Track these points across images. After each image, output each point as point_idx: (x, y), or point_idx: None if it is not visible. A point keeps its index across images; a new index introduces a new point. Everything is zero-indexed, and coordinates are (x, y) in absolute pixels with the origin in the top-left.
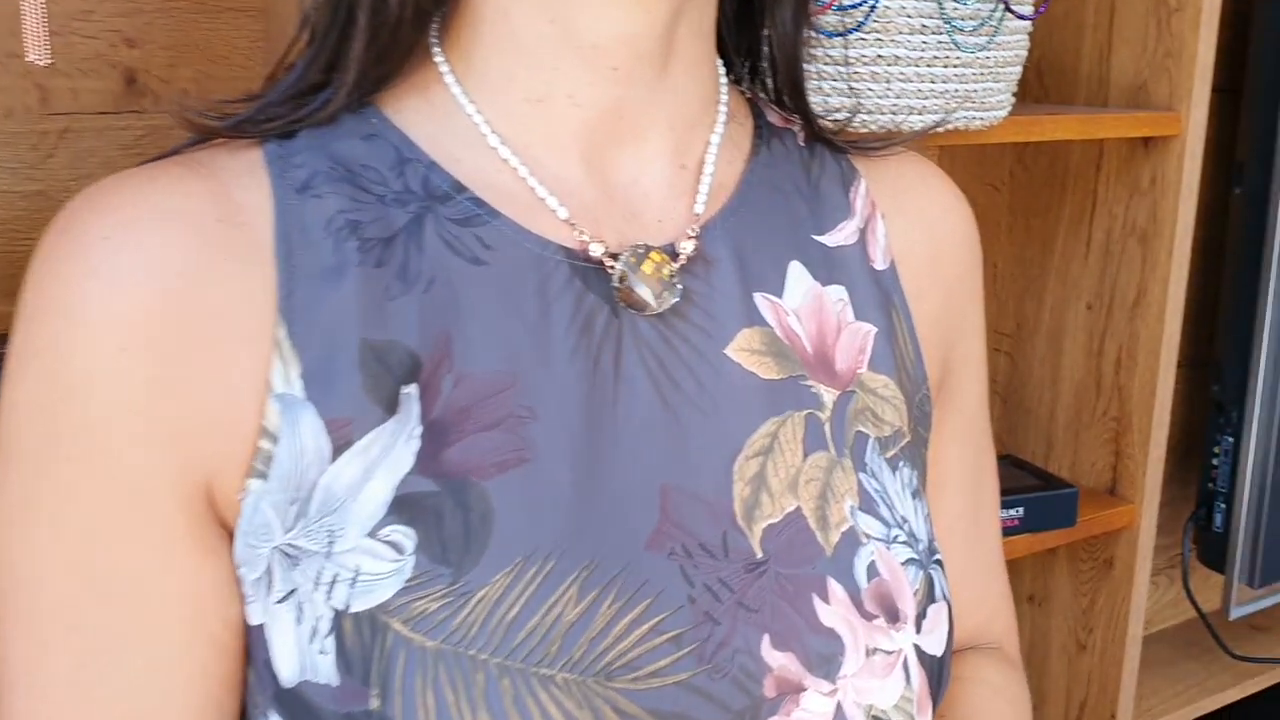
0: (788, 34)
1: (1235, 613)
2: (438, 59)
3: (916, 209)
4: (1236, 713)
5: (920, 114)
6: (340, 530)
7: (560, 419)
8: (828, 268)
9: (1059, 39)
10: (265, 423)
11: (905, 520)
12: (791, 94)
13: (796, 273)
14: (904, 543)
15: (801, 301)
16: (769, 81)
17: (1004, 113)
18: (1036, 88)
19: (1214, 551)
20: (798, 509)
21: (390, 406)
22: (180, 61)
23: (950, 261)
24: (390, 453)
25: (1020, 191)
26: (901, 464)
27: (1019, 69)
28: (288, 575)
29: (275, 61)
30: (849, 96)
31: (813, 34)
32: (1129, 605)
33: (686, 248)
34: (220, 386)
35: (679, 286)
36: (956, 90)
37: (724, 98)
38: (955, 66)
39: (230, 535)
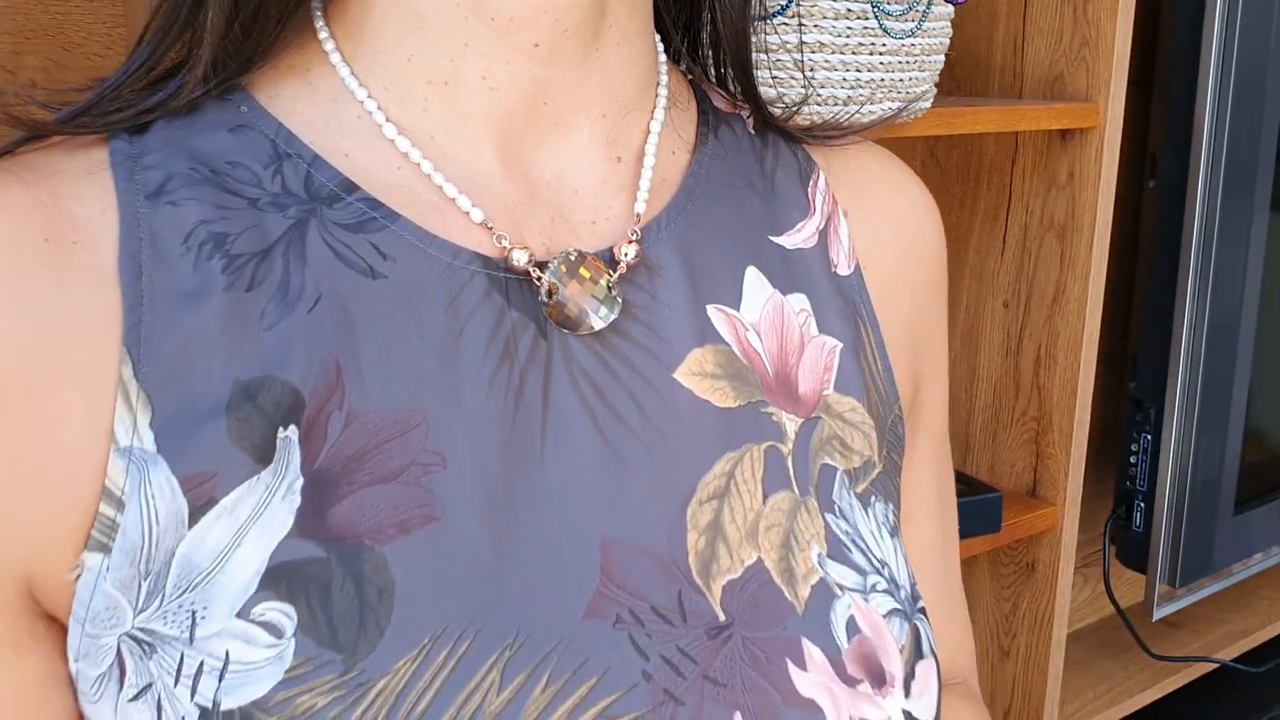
0: (735, 6)
1: (1158, 613)
2: (321, 34)
3: (881, 206)
4: (1158, 712)
5: (844, 104)
6: (204, 610)
7: (475, 465)
8: (787, 273)
9: (971, 29)
10: (107, 482)
11: (884, 564)
12: (739, 75)
13: (754, 280)
14: (884, 591)
15: (760, 314)
16: (710, 61)
17: (928, 104)
18: (948, 79)
19: (1134, 551)
20: (759, 561)
21: (263, 454)
22: (26, 49)
23: (918, 263)
24: (264, 511)
25: (933, 186)
26: (874, 499)
27: (942, 57)
28: (142, 666)
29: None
30: (769, 86)
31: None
32: (1053, 609)
33: (627, 253)
34: (46, 444)
35: (619, 300)
36: (882, 79)
37: (664, 78)
38: (881, 54)
39: (60, 624)
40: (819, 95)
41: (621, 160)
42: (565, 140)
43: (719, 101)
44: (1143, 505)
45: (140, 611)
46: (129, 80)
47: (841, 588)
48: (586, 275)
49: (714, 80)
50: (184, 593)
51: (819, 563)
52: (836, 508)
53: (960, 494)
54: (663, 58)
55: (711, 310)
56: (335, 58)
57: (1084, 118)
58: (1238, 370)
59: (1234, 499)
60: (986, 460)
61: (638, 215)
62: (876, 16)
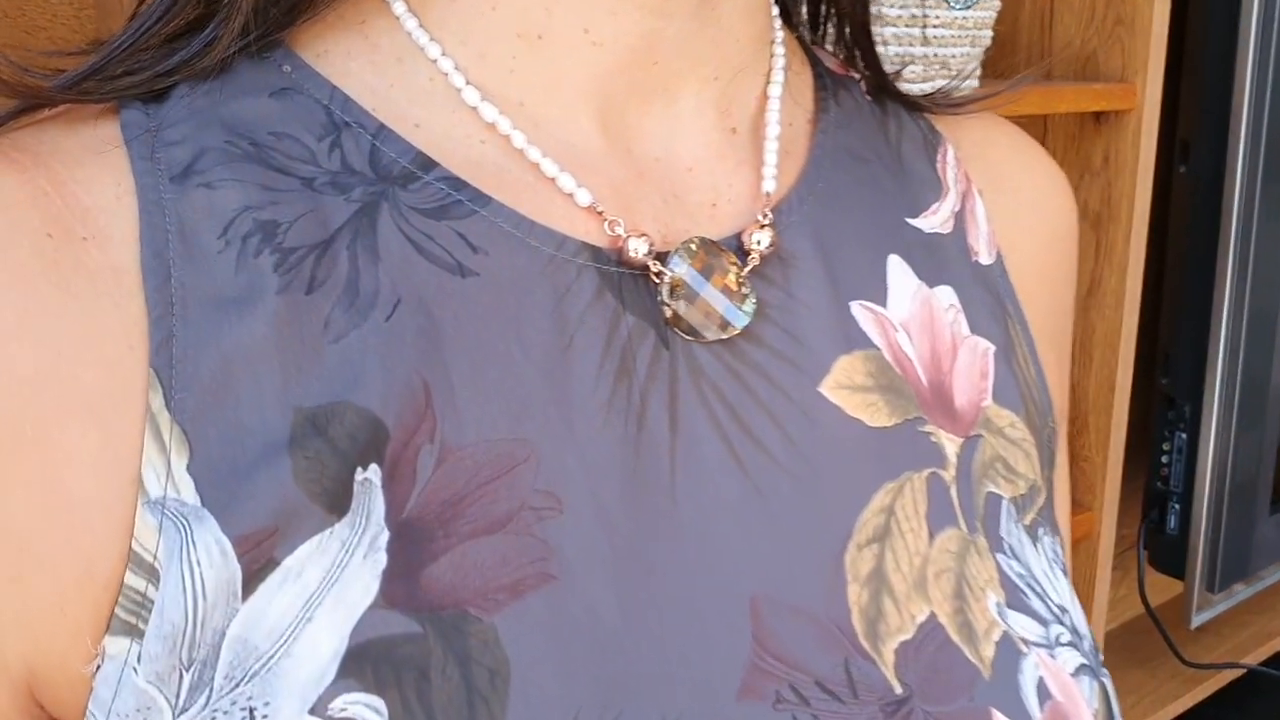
0: None
1: (1198, 619)
2: None
3: (1016, 186)
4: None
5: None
6: (266, 707)
7: (595, 508)
8: (932, 262)
9: None
10: (135, 545)
11: (1064, 611)
12: (858, 34)
13: (898, 270)
14: (1069, 644)
15: (910, 311)
16: (821, 16)
17: (975, 84)
18: None
19: (1168, 555)
20: (931, 616)
21: (337, 502)
22: None
23: (1058, 255)
24: (341, 575)
25: None
26: (1042, 531)
27: (990, 35)
28: None
29: None
30: None
31: None
32: (1089, 619)
33: (759, 240)
34: (48, 501)
35: (753, 298)
36: (936, 54)
37: (778, 35)
38: (935, 26)
39: None
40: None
41: (737, 131)
42: (672, 108)
43: (831, 64)
44: (1177, 507)
45: (182, 713)
46: (144, 36)
47: (1026, 643)
48: (715, 268)
49: (813, 39)
50: (238, 685)
51: (999, 614)
52: (1006, 545)
53: None
54: (775, 9)
55: (856, 308)
56: (399, 7)
57: (1121, 99)
58: (1276, 364)
59: (1270, 498)
60: None
61: (766, 194)
62: None
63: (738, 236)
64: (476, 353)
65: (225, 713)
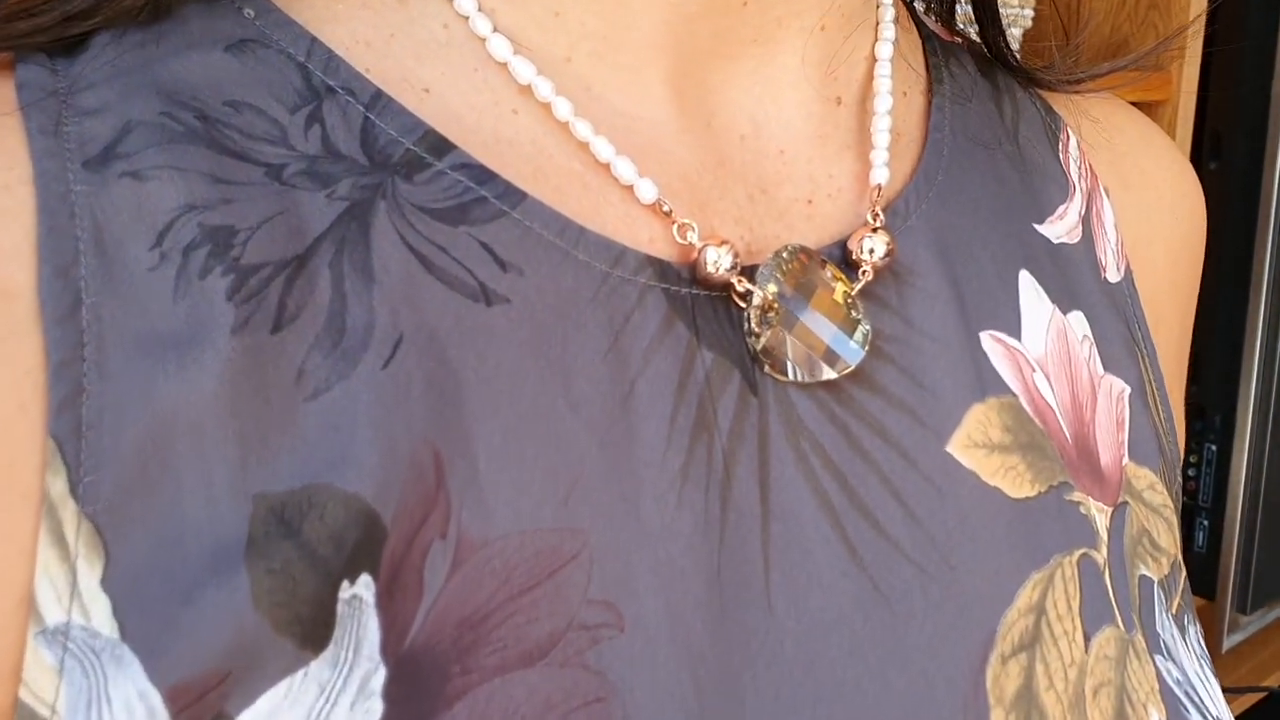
0: None
1: (1228, 643)
2: None
3: (1148, 184)
4: None
5: None
6: None
7: (670, 623)
8: (1062, 280)
9: None
10: (24, 695)
11: None
12: None
13: (1030, 291)
14: None
15: (1046, 345)
16: None
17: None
18: None
19: (1196, 575)
20: None
21: (315, 633)
22: None
23: (1188, 267)
24: None
25: None
26: (1188, 619)
27: (1032, 11)
28: None
29: None
30: None
31: None
32: None
33: (872, 249)
34: None
35: (864, 327)
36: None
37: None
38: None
39: None
40: None
41: (843, 102)
42: (767, 68)
43: (935, 26)
44: (1206, 524)
45: None
46: None
47: None
48: (816, 286)
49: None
50: None
51: None
52: (1162, 643)
53: None
54: None
55: (988, 340)
56: None
57: (1156, 88)
58: None
59: None
60: None
61: (878, 188)
62: None
63: (842, 244)
64: (508, 410)
65: None
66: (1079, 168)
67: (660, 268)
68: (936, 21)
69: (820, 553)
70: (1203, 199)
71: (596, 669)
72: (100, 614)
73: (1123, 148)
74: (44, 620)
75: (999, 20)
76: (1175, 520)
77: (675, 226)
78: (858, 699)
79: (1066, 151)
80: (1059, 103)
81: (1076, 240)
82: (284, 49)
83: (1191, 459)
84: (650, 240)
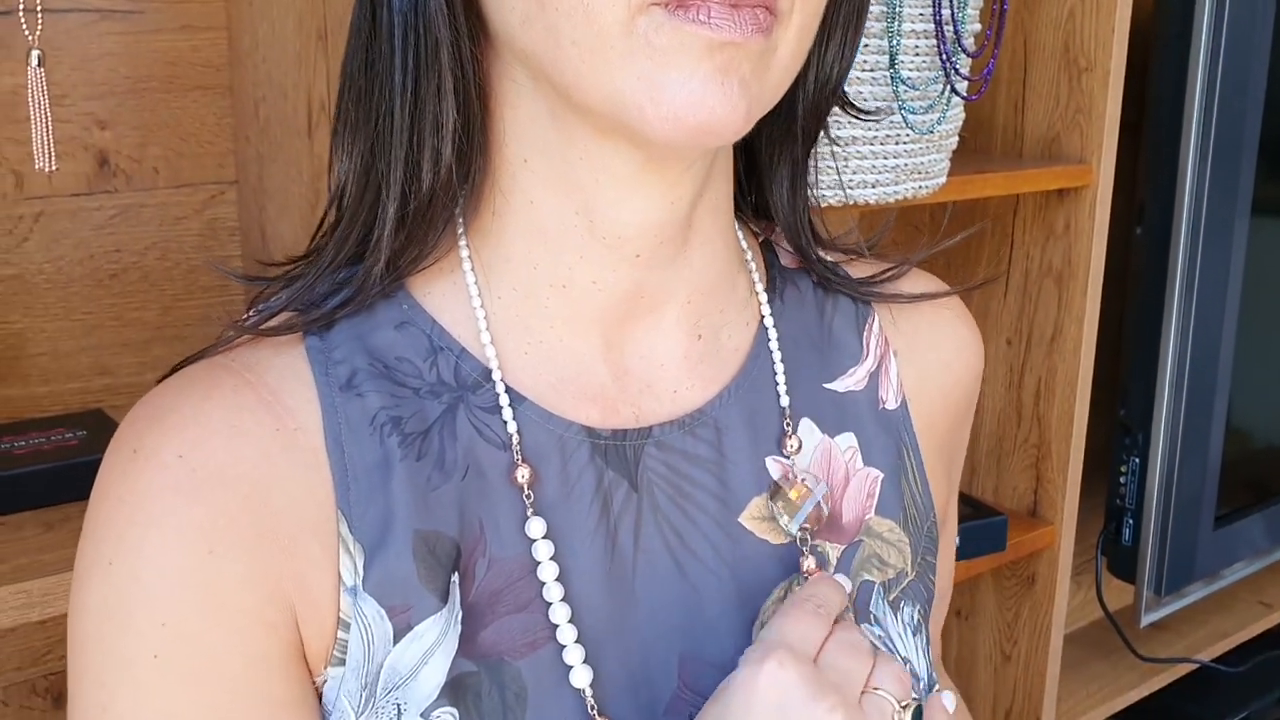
0: (786, 203)
1: (1145, 619)
2: (461, 244)
3: (931, 345)
4: (1145, 709)
5: (873, 188)
6: (405, 706)
7: (585, 598)
8: (837, 416)
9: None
10: (341, 614)
11: (906, 661)
12: (801, 252)
13: (806, 430)
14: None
15: (811, 459)
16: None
17: (943, 179)
18: None
19: (1124, 563)
20: None
21: (443, 595)
22: (150, 141)
23: (962, 393)
24: (444, 639)
25: (942, 236)
26: (904, 604)
27: (956, 139)
28: None
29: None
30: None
31: (810, 200)
32: (1051, 618)
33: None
34: (302, 582)
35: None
36: (905, 164)
37: (751, 264)
38: (905, 143)
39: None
40: (850, 180)
41: (702, 337)
42: (656, 324)
43: (786, 259)
44: (1131, 522)
45: (360, 714)
46: (320, 275)
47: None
48: (795, 494)
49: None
50: (390, 692)
51: None
52: (872, 616)
53: (969, 517)
54: (744, 243)
55: (769, 462)
56: (465, 266)
57: (1079, 177)
58: (1216, 400)
59: (1214, 514)
60: (991, 483)
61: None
62: (903, 114)
63: (696, 416)
64: (511, 499)
65: (382, 710)
66: (877, 340)
67: (589, 431)
68: (790, 255)
69: (662, 568)
70: (977, 354)
71: (548, 616)
72: (363, 580)
73: (917, 321)
74: (345, 583)
75: (822, 267)
76: (909, 548)
77: (597, 409)
78: (677, 638)
79: (870, 331)
80: (884, 292)
81: (862, 388)
82: (420, 327)
83: (1121, 469)
84: (586, 418)
